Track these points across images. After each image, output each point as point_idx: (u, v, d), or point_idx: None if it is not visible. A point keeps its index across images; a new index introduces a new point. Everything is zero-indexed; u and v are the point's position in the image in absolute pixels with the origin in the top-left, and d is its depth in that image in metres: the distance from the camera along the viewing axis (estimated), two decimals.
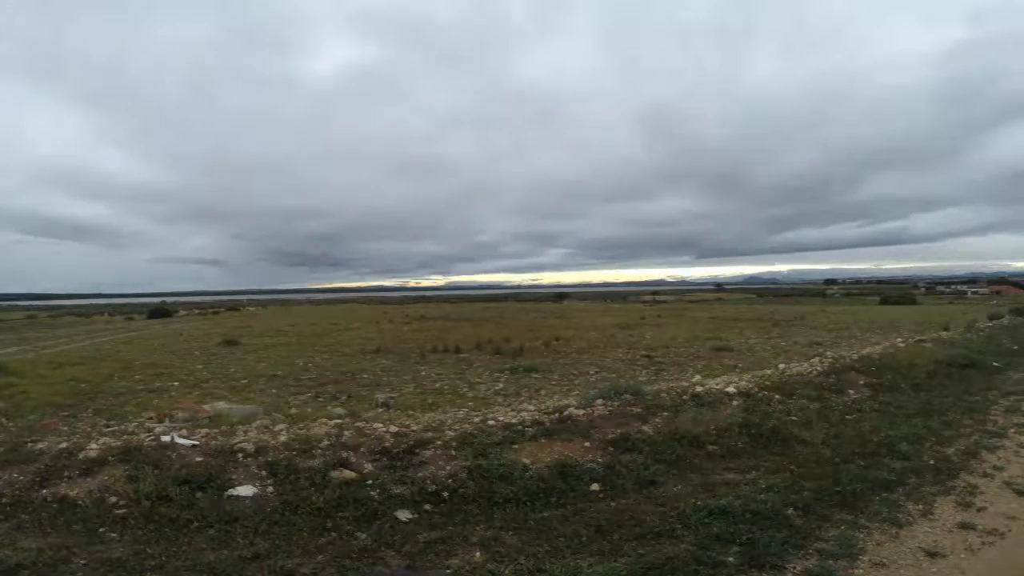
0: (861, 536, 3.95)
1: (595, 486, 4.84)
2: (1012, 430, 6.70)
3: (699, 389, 7.66)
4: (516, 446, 5.41)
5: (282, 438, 5.50)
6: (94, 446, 5.23)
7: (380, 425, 6.07)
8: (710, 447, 5.78)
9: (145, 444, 5.27)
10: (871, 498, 4.58)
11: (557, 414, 6.34)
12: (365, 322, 41.22)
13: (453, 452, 5.23)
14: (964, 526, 4.14)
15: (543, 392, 11.33)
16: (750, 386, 7.94)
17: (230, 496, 4.48)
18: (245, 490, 4.55)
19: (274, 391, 12.60)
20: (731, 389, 7.70)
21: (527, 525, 4.18)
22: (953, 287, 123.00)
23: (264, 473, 4.79)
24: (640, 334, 25.47)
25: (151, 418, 7.91)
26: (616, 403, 6.79)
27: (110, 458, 4.96)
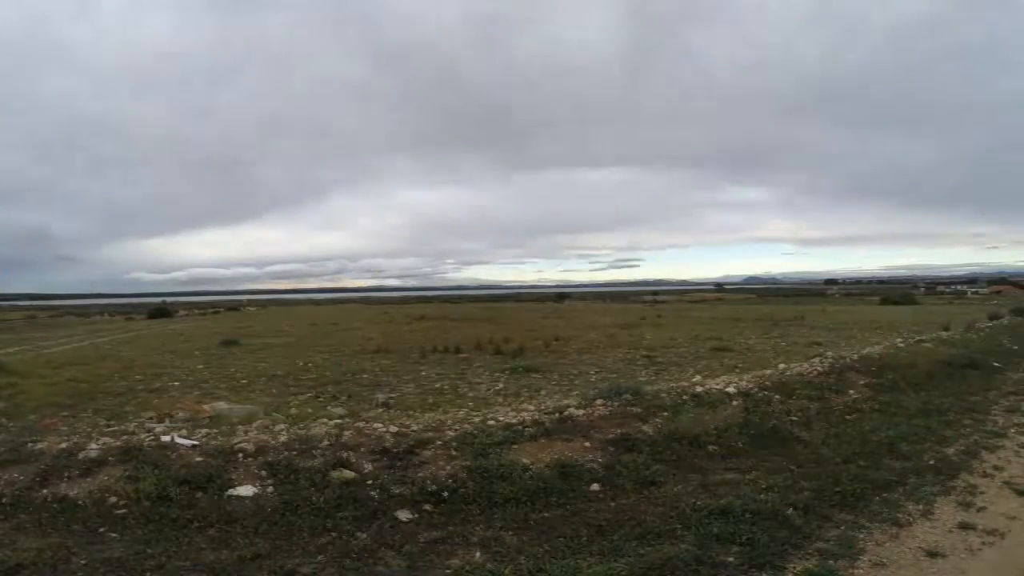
0: (861, 536, 3.96)
1: (595, 486, 4.85)
2: (1012, 430, 6.71)
3: (699, 389, 7.66)
4: (516, 446, 5.42)
5: (282, 438, 5.50)
6: (94, 446, 5.24)
7: (380, 425, 6.08)
8: (710, 447, 5.79)
9: (145, 444, 5.28)
10: (871, 498, 4.59)
11: (557, 414, 6.34)
12: (365, 322, 41.23)
13: (453, 452, 5.23)
14: (964, 526, 4.15)
15: (543, 392, 11.30)
16: (750, 386, 7.94)
17: (230, 496, 4.49)
18: (245, 490, 4.56)
19: (274, 391, 12.58)
20: (731, 389, 7.70)
21: (527, 525, 4.19)
22: (953, 287, 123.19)
23: (264, 473, 4.80)
24: (640, 334, 25.43)
25: (151, 418, 7.91)
26: (616, 403, 6.78)
27: (110, 458, 4.97)
